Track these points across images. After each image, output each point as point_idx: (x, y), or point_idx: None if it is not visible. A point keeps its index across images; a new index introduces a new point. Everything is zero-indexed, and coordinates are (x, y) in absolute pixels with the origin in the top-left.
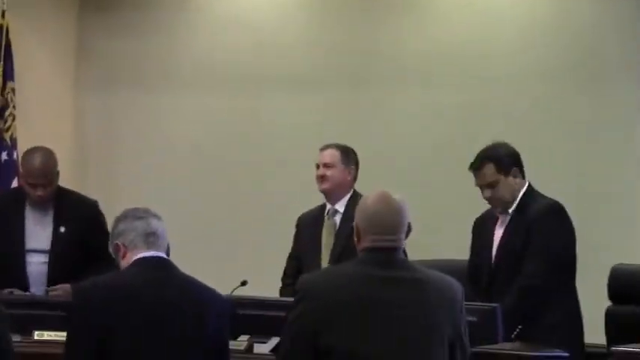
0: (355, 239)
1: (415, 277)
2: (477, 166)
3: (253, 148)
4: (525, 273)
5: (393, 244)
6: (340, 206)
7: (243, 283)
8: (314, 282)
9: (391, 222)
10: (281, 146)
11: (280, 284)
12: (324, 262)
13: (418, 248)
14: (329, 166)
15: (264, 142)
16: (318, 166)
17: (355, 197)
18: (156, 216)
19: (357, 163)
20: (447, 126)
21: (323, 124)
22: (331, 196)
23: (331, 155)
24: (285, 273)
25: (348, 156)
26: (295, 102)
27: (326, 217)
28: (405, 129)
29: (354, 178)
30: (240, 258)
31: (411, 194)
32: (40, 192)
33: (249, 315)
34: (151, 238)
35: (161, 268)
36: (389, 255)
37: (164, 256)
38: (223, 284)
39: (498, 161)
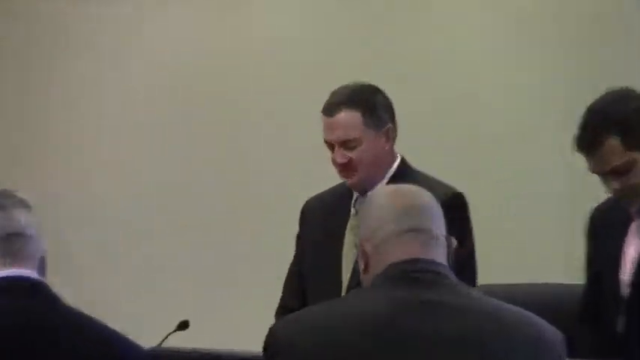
0: (361, 266)
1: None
2: (588, 143)
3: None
4: None
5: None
6: None
7: (182, 326)
8: (293, 334)
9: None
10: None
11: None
12: (345, 279)
13: None
14: (351, 143)
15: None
16: (330, 146)
17: (404, 170)
18: (23, 203)
19: (389, 108)
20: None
21: None
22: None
23: (348, 123)
24: (282, 301)
25: (374, 108)
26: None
27: (352, 211)
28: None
29: (394, 138)
30: (180, 285)
31: None
32: None
33: None
34: (12, 244)
35: (27, 296)
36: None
37: (35, 276)
38: (153, 326)
39: (628, 128)
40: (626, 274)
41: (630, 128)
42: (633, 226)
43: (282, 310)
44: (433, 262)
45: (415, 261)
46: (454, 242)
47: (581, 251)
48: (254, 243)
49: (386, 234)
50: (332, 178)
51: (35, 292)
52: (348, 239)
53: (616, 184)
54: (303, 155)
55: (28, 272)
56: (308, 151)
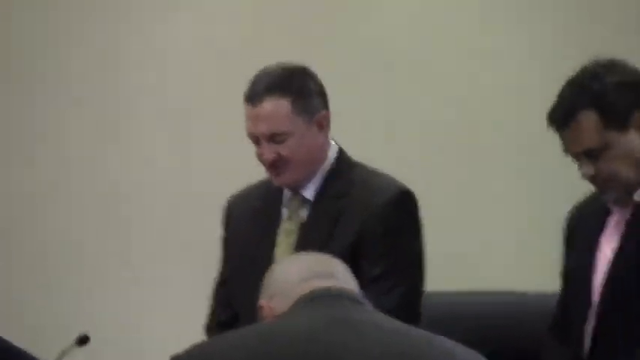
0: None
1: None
2: (562, 116)
3: None
4: None
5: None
6: (310, 191)
7: (82, 341)
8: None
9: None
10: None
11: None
12: None
13: None
14: (280, 136)
15: None
16: (254, 139)
17: (340, 162)
18: None
19: (322, 93)
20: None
21: None
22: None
23: (275, 113)
24: (211, 314)
25: (305, 93)
26: None
27: (284, 212)
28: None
29: (328, 126)
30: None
31: None
32: None
33: None
34: None
35: None
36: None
37: None
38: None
39: (606, 104)
40: (599, 277)
41: (608, 103)
42: (611, 221)
43: (213, 324)
44: (343, 288)
45: (327, 288)
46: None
47: None
48: (167, 242)
49: (290, 284)
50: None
51: None
52: (282, 245)
53: (590, 169)
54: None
55: None
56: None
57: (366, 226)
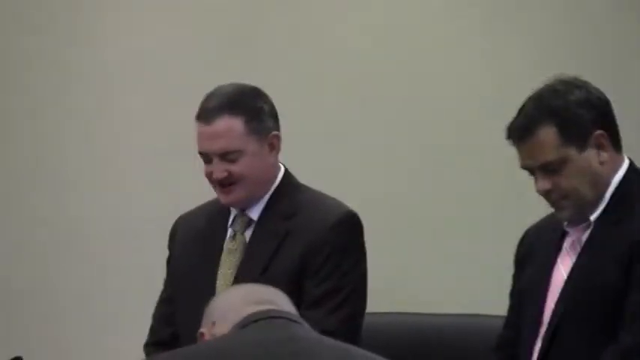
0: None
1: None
2: (520, 129)
3: None
4: (632, 330)
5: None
6: (255, 212)
7: None
8: None
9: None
10: None
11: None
12: None
13: None
14: (232, 155)
15: None
16: (205, 157)
17: (286, 184)
18: None
19: (273, 113)
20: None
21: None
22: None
23: (229, 132)
24: (151, 332)
25: (258, 113)
26: None
27: (230, 231)
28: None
29: (277, 149)
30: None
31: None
32: None
33: None
34: None
35: None
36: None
37: None
38: None
39: (566, 121)
40: (552, 296)
41: (568, 120)
42: (567, 242)
43: (152, 342)
44: (284, 311)
45: (268, 310)
46: None
47: None
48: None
49: (232, 309)
50: None
51: None
52: (225, 264)
53: (546, 184)
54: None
55: None
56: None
57: (312, 247)
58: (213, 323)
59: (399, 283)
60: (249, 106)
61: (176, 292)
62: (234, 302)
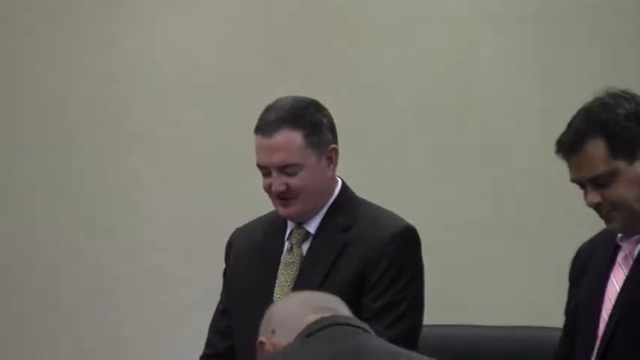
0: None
1: None
2: (569, 144)
3: None
4: None
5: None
6: (313, 225)
7: None
8: None
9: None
10: None
11: None
12: None
13: None
14: (291, 168)
15: None
16: (265, 171)
17: (344, 197)
18: None
19: (332, 127)
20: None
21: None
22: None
23: (289, 145)
24: (208, 344)
25: (318, 127)
26: None
27: (287, 245)
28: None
29: (335, 162)
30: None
31: None
32: None
33: None
34: None
35: None
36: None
37: None
38: None
39: (614, 134)
40: (607, 309)
41: (616, 133)
42: (620, 256)
43: (209, 354)
44: (350, 317)
45: (334, 317)
46: None
47: None
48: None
49: (293, 317)
50: None
51: None
52: (282, 277)
53: (596, 197)
54: None
55: None
56: None
57: (369, 261)
58: (273, 331)
59: (454, 295)
60: (308, 120)
61: (233, 305)
62: (294, 310)
